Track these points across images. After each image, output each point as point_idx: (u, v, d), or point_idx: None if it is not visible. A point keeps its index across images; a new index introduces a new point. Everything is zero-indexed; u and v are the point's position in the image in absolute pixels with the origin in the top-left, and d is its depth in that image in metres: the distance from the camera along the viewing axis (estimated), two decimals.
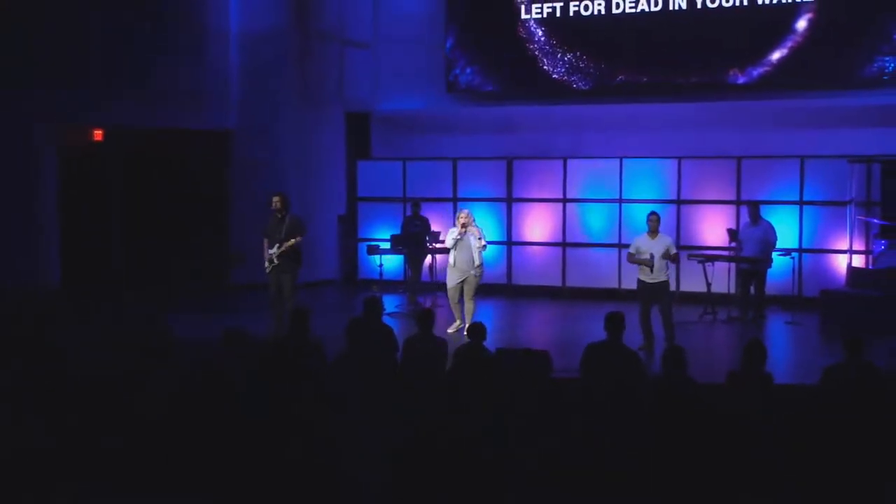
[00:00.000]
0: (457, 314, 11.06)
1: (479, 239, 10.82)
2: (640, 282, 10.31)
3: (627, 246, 10.70)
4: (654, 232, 10.25)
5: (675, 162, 14.05)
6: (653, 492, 4.81)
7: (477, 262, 10.85)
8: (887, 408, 6.12)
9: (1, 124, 12.80)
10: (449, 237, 11.03)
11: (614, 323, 7.33)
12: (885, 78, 13.48)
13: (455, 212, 14.81)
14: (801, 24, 13.94)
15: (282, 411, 5.93)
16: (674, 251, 10.26)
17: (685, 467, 5.07)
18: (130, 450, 5.41)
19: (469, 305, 10.95)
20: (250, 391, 6.38)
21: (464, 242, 10.86)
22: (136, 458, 5.33)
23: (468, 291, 10.93)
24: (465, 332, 7.97)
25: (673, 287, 11.22)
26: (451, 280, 10.97)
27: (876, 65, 13.63)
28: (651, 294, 10.20)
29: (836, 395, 6.43)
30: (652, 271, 10.16)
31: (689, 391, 6.30)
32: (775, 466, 5.21)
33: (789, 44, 14.02)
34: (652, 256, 10.09)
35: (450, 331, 10.86)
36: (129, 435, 5.58)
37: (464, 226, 10.83)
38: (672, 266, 10.48)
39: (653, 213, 10.48)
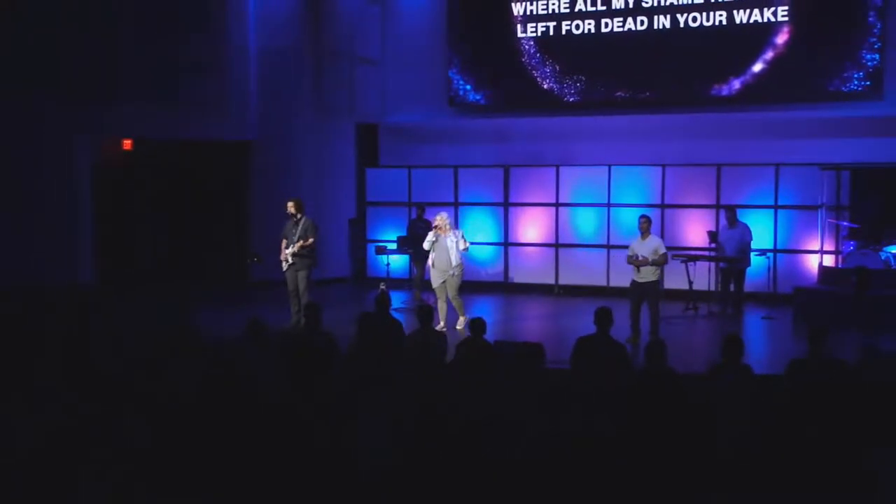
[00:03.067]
0: (441, 313, 10.75)
1: (461, 241, 10.60)
2: (632, 281, 10.34)
3: (616, 247, 10.73)
4: (644, 234, 10.26)
5: (660, 169, 14.05)
6: (634, 473, 4.82)
7: (454, 263, 10.56)
8: (845, 395, 6.13)
9: (41, 136, 12.84)
10: (426, 240, 10.81)
11: (603, 318, 7.32)
12: (848, 91, 13.49)
13: (456, 215, 14.88)
14: (776, 42, 13.94)
15: (298, 396, 5.95)
16: (662, 251, 10.21)
17: (663, 451, 5.08)
18: (155, 436, 5.41)
19: (456, 301, 10.70)
20: (270, 377, 6.40)
21: (440, 244, 10.60)
22: (160, 444, 5.33)
23: (450, 291, 10.65)
24: (468, 327, 7.95)
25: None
26: (435, 281, 10.79)
27: (845, 80, 13.64)
28: (641, 292, 10.21)
29: (800, 384, 6.44)
30: (639, 271, 10.19)
31: (668, 381, 6.31)
32: (746, 450, 5.22)
33: (765, 60, 14.03)
34: (644, 258, 10.12)
35: (458, 327, 10.73)
36: (154, 421, 5.58)
37: (438, 228, 10.58)
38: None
39: (642, 216, 10.49)
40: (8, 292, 10.28)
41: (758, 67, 14.07)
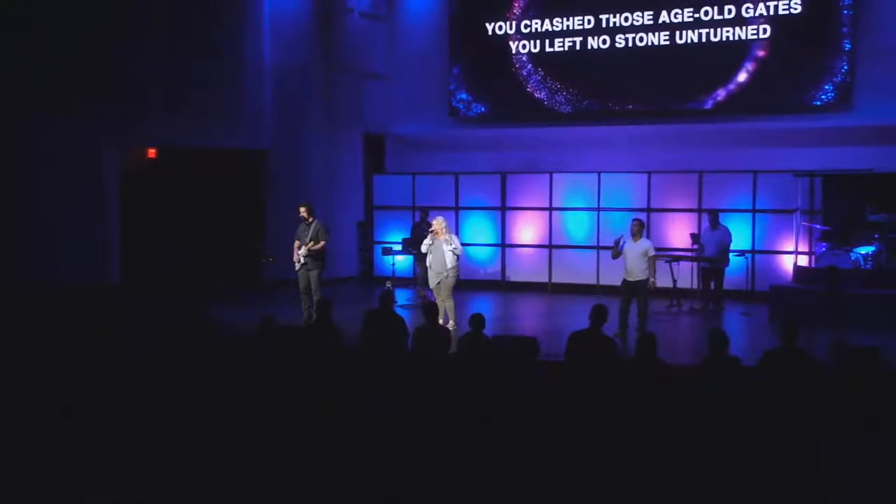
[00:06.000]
0: (441, 311, 10.40)
1: (451, 244, 10.32)
2: (623, 280, 10.28)
3: (605, 248, 10.71)
4: (636, 236, 10.21)
5: (646, 176, 14.04)
6: (625, 459, 4.80)
7: (449, 265, 10.33)
8: (814, 382, 6.13)
9: (72, 145, 12.88)
10: (423, 243, 10.64)
11: (599, 314, 7.27)
12: (820, 104, 13.53)
13: (457, 219, 14.88)
14: (755, 58, 13.97)
15: (310, 387, 5.93)
16: (652, 254, 10.16)
17: (654, 437, 5.06)
18: (177, 424, 5.37)
19: (447, 303, 10.39)
20: (282, 370, 6.38)
21: (436, 247, 10.40)
22: (182, 430, 5.29)
23: (444, 291, 10.42)
24: (468, 323, 7.93)
25: None
26: (431, 281, 10.62)
27: (818, 93, 13.66)
28: (631, 290, 10.17)
29: (772, 373, 6.43)
30: (628, 268, 10.15)
31: (660, 371, 6.30)
32: (730, 433, 5.20)
33: (744, 75, 14.04)
34: (621, 244, 10.11)
35: (448, 327, 10.64)
36: (175, 410, 5.55)
37: (434, 232, 10.39)
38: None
39: (634, 219, 10.43)
40: (40, 291, 10.27)
41: (737, 82, 14.08)
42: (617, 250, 10.21)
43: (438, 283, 10.52)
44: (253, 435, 5.02)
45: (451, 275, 10.41)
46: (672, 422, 5.33)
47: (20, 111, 12.40)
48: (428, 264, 10.64)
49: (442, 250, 10.41)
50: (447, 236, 10.45)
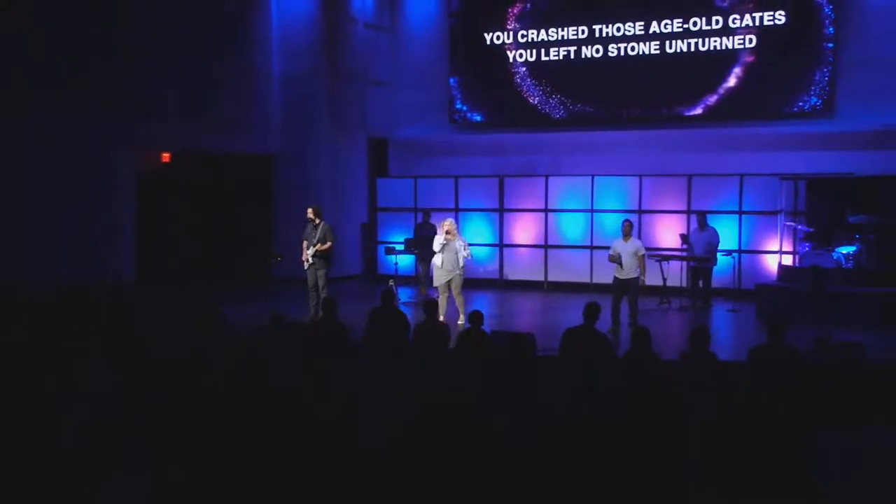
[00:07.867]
0: (442, 308, 10.46)
1: (465, 248, 10.51)
2: (615, 278, 10.35)
3: (598, 248, 10.75)
4: (626, 236, 10.30)
5: (638, 179, 14.02)
6: (620, 449, 4.78)
7: (461, 265, 10.50)
8: (800, 378, 6.12)
9: (89, 149, 12.86)
10: (436, 242, 10.62)
11: (592, 311, 7.28)
12: (809, 109, 13.53)
13: (457, 220, 14.82)
14: (742, 66, 13.97)
15: (315, 381, 5.92)
16: (641, 252, 10.26)
17: (649, 427, 5.04)
18: (188, 414, 5.35)
19: (459, 299, 10.55)
20: (290, 364, 6.37)
21: (449, 247, 10.48)
22: (194, 420, 5.27)
23: (455, 288, 10.52)
24: (467, 320, 7.92)
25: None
26: (439, 279, 10.62)
27: (801, 100, 13.65)
28: (623, 287, 10.24)
29: (760, 369, 6.42)
30: (621, 268, 10.21)
31: (654, 364, 6.29)
32: (719, 424, 5.19)
33: (732, 82, 14.04)
34: (620, 257, 10.16)
35: (459, 322, 10.63)
36: (188, 401, 5.54)
37: (448, 233, 10.46)
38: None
39: (626, 220, 10.52)
40: (60, 290, 10.24)
41: (724, 89, 14.08)
42: (615, 257, 10.29)
43: (449, 280, 10.57)
44: (255, 433, 4.99)
45: (462, 272, 10.60)
46: (666, 414, 5.31)
47: (29, 112, 12.35)
48: (439, 263, 10.64)
49: (455, 250, 10.52)
50: (460, 238, 10.61)
